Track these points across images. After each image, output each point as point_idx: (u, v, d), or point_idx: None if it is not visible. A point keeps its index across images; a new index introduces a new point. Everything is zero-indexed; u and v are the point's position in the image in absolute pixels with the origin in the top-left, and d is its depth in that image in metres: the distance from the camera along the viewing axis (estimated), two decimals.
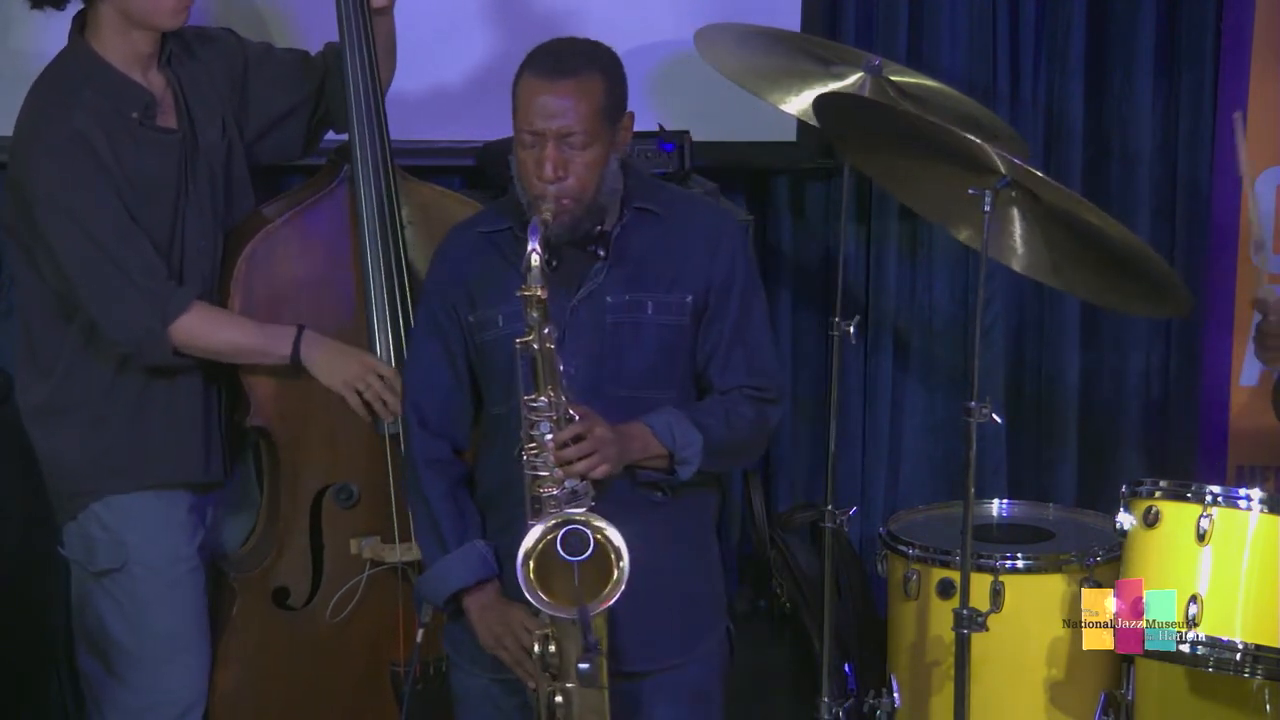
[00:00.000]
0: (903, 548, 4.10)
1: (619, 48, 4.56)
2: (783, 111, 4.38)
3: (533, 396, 3.28)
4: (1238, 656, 3.62)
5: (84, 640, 3.84)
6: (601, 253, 3.43)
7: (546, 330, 3.24)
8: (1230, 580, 3.65)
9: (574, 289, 3.40)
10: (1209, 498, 3.68)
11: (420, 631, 3.73)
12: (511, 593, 3.40)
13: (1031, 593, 3.98)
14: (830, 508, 4.27)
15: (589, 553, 3.21)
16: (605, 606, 3.23)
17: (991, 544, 4.09)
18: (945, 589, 3.99)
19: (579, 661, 3.21)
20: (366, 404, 3.80)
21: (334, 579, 3.88)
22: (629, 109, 3.44)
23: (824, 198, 4.90)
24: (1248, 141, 4.73)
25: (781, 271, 4.87)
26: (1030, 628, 3.99)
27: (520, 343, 3.26)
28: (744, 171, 4.85)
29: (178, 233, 3.74)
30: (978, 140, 3.66)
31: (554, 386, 3.27)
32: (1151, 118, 4.89)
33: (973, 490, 3.76)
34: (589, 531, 3.23)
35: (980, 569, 3.93)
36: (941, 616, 3.95)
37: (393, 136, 3.93)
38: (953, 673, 3.82)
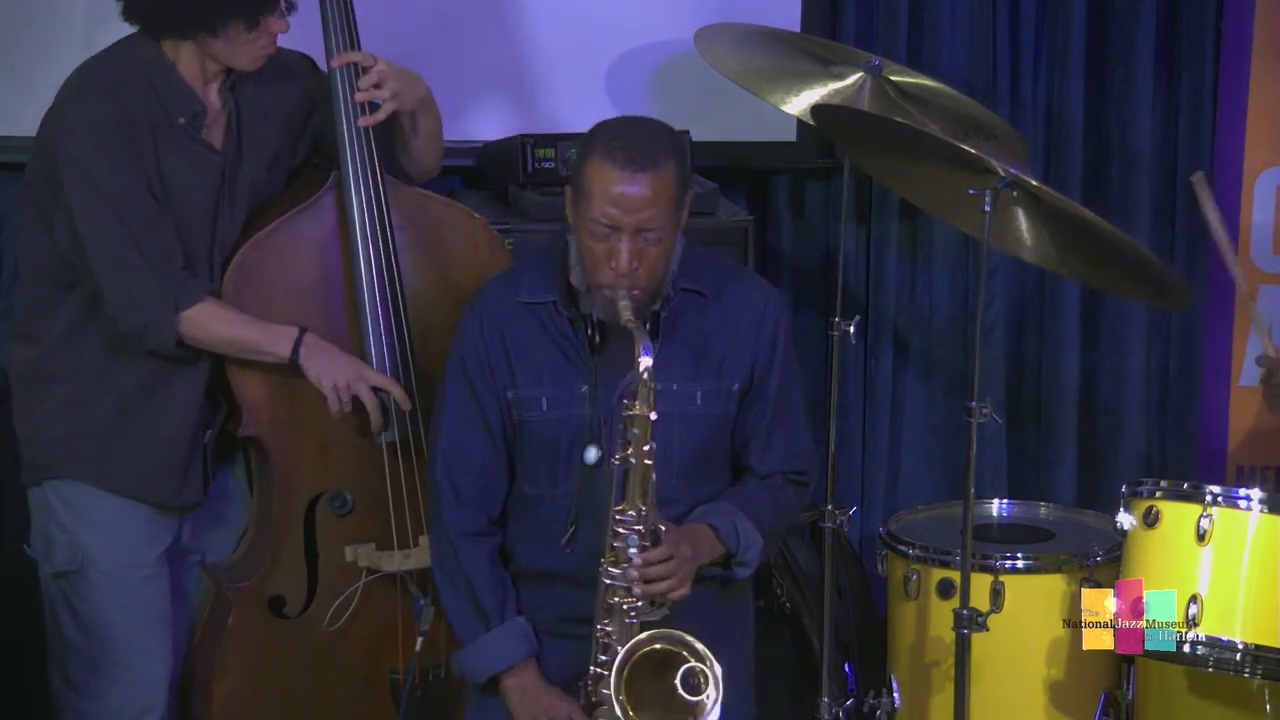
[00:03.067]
0: (903, 548, 4.10)
1: (619, 48, 4.61)
2: (783, 111, 4.38)
3: (621, 509, 3.26)
4: (1238, 656, 3.62)
5: (50, 644, 3.83)
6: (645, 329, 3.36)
7: (647, 448, 3.23)
8: (1230, 580, 3.65)
9: (620, 371, 3.32)
10: (1209, 498, 3.68)
11: (419, 639, 3.72)
12: (547, 670, 3.42)
13: (1031, 593, 3.98)
14: (830, 508, 4.27)
15: (709, 690, 3.23)
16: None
17: (991, 544, 4.10)
18: (945, 589, 3.99)
19: None
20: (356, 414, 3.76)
21: (330, 587, 3.85)
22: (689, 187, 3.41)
23: (824, 198, 4.90)
24: (1248, 143, 4.74)
25: (781, 271, 4.87)
26: (1030, 628, 3.99)
27: (618, 458, 3.24)
28: (744, 171, 4.85)
29: (201, 246, 3.72)
30: (973, 150, 3.67)
31: (645, 500, 3.25)
32: (1151, 118, 4.89)
33: (973, 490, 3.76)
34: (708, 671, 3.23)
35: (980, 569, 3.93)
36: (941, 616, 3.95)
37: None
38: (953, 673, 3.82)
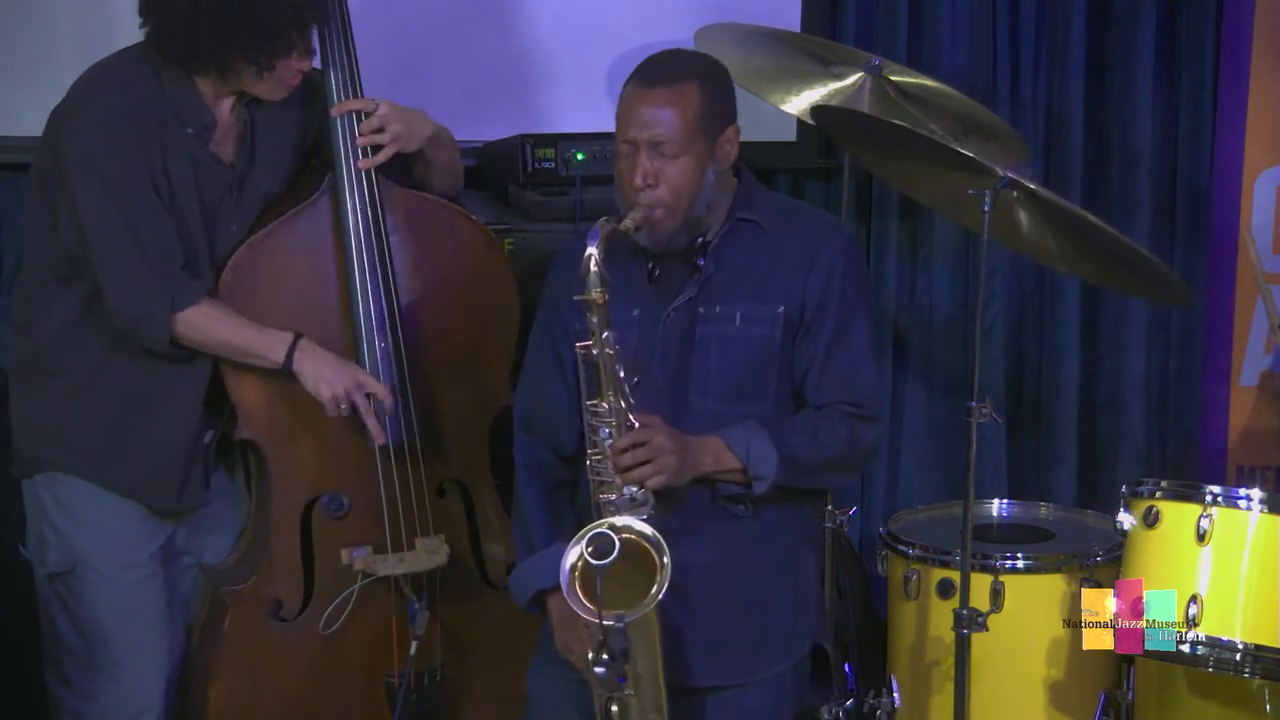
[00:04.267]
0: (903, 548, 4.10)
1: (619, 48, 4.60)
2: (783, 111, 4.38)
3: (594, 402, 3.29)
4: (1238, 656, 3.63)
5: (45, 645, 3.83)
6: (701, 263, 3.44)
7: (606, 335, 3.25)
8: (1230, 580, 3.65)
9: (672, 299, 3.41)
10: (1209, 498, 3.69)
11: (414, 643, 3.72)
12: None
13: (1031, 593, 3.98)
14: (830, 508, 4.27)
15: (614, 555, 3.16)
16: (653, 602, 3.21)
17: (991, 544, 4.10)
18: (945, 589, 3.99)
19: (594, 665, 3.20)
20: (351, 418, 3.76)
21: (326, 590, 3.85)
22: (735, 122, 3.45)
23: (824, 198, 4.90)
24: (1248, 143, 4.74)
25: None
26: (1030, 628, 3.99)
27: (580, 347, 3.28)
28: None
29: (198, 253, 3.71)
30: (970, 154, 3.67)
31: (615, 392, 3.27)
32: (1151, 118, 4.89)
33: (973, 490, 3.76)
34: (613, 535, 3.19)
35: (980, 569, 3.93)
36: (941, 616, 3.95)
37: None
38: (953, 673, 3.82)
